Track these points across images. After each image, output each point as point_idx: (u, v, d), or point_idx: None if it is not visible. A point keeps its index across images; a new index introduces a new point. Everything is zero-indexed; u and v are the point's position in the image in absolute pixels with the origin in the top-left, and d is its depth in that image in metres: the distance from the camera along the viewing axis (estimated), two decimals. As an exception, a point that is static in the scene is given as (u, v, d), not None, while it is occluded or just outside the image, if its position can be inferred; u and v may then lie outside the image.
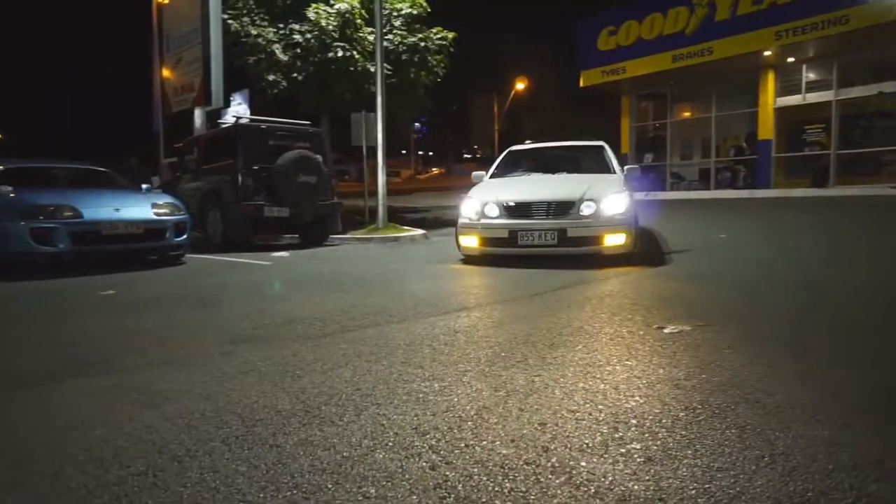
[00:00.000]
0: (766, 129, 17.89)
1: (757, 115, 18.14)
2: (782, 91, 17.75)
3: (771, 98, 17.77)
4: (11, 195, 6.44)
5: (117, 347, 3.12)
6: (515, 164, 7.41)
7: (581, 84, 21.18)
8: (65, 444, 1.83)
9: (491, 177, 7.17)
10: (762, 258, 6.09)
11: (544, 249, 5.70)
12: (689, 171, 20.71)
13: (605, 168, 6.88)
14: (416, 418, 1.96)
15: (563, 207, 5.72)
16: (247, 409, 2.08)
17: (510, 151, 7.73)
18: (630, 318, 3.41)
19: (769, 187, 17.43)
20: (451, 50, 14.77)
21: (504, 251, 5.92)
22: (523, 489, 1.48)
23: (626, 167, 6.85)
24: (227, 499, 1.47)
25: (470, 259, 6.36)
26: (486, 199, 6.09)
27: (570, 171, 6.85)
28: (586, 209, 5.66)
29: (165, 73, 17.75)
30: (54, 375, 2.59)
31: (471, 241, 6.16)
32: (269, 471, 1.61)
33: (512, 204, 5.93)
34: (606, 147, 7.19)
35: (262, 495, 1.48)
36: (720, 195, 17.81)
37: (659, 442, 1.74)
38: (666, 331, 3.06)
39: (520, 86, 35.56)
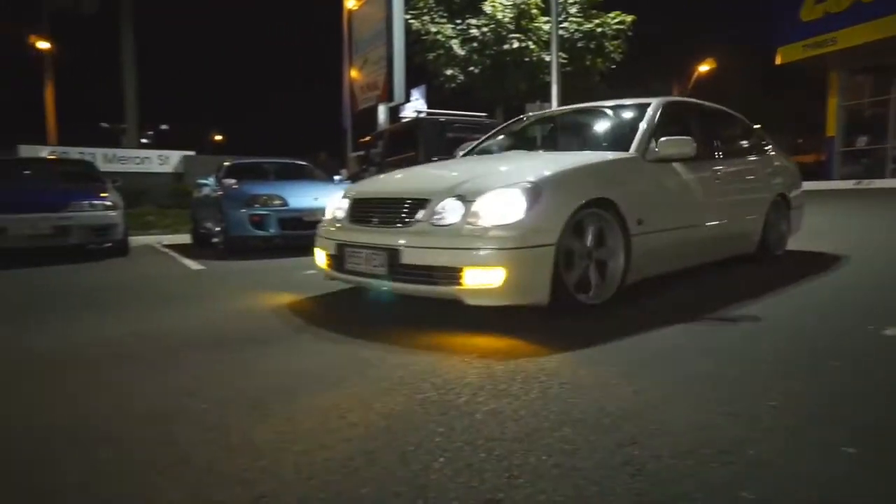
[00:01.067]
0: None
1: None
2: None
3: None
4: (234, 187, 7.52)
5: (324, 318, 3.54)
6: (515, 138, 5.04)
7: (778, 61, 19.09)
8: (292, 394, 2.16)
9: (465, 154, 5.05)
10: None
11: (374, 281, 3.34)
12: (917, 155, 17.71)
13: (625, 141, 3.86)
14: (599, 400, 1.99)
15: (407, 210, 3.28)
16: (439, 380, 2.26)
17: (516, 120, 5.37)
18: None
19: None
20: (630, 34, 14.23)
21: (338, 277, 3.70)
22: (715, 476, 1.45)
23: (661, 139, 3.76)
24: (430, 452, 1.64)
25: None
26: (349, 192, 3.98)
27: (578, 147, 4.46)
28: (446, 214, 3.10)
29: (353, 73, 19.30)
30: (279, 337, 3.03)
31: (320, 257, 3.92)
32: (463, 433, 1.76)
33: (349, 202, 3.79)
34: (654, 106, 4.12)
35: (460, 454, 1.62)
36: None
37: (874, 447, 1.59)
38: (887, 333, 2.74)
39: (703, 67, 32.96)
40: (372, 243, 3.33)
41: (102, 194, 7.22)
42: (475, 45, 13.62)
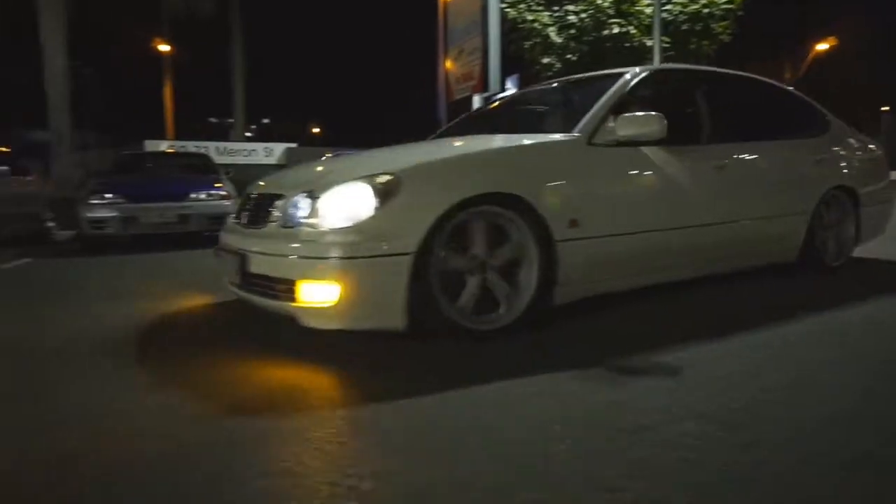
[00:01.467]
0: None
1: None
2: None
3: None
4: (337, 177, 7.84)
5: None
6: (481, 121, 4.40)
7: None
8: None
9: (438, 136, 4.19)
10: None
11: (237, 291, 2.88)
12: None
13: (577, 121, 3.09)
14: (708, 394, 1.93)
15: (265, 208, 2.80)
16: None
17: (506, 95, 4.64)
18: None
19: None
20: (740, 14, 13.35)
21: (228, 287, 3.09)
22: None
23: (619, 117, 2.96)
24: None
25: None
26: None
27: (535, 129, 3.60)
28: (297, 213, 2.59)
29: (448, 64, 19.43)
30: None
31: None
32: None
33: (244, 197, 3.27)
34: (626, 77, 3.29)
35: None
36: None
37: None
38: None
39: (821, 46, 30.37)
40: (232, 247, 2.86)
41: (217, 185, 7.73)
42: (573, 31, 13.32)
